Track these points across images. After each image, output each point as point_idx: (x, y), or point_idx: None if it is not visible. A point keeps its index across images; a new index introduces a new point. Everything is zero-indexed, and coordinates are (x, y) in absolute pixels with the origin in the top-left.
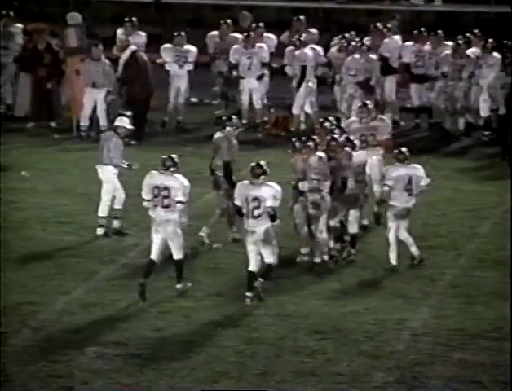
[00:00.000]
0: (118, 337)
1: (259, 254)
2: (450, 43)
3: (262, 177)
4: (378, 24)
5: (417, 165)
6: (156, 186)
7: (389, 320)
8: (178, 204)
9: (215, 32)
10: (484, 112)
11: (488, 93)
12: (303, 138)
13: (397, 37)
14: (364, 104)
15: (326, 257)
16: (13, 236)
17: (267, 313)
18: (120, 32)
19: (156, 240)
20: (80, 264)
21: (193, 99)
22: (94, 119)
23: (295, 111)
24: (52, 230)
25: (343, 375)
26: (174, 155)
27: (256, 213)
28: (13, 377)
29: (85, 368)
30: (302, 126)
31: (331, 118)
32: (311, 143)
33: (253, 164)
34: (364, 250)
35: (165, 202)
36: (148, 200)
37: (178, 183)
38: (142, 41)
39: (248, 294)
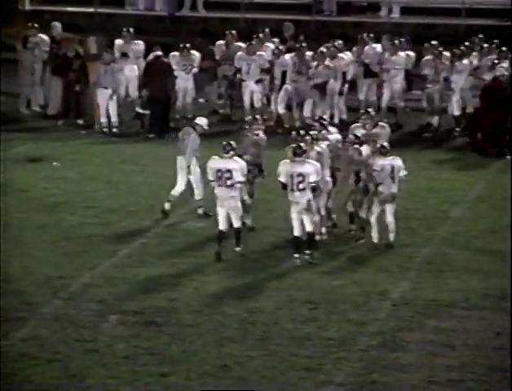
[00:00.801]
0: (137, 307)
1: (302, 222)
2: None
3: (303, 155)
4: (364, 35)
5: (396, 157)
6: (219, 170)
7: (372, 292)
8: (238, 184)
9: (221, 42)
10: (457, 112)
11: (460, 95)
12: (302, 133)
13: (377, 46)
14: (367, 112)
15: (317, 237)
16: (46, 219)
17: (267, 285)
18: (118, 42)
19: (222, 213)
20: (104, 243)
21: (201, 100)
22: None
23: (281, 110)
24: (80, 213)
25: (333, 339)
26: (232, 142)
27: (301, 186)
28: (45, 342)
29: (108, 333)
30: (297, 123)
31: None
32: (308, 137)
33: (294, 145)
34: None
35: (228, 182)
36: (213, 181)
37: (238, 165)
38: (140, 49)
39: (296, 256)
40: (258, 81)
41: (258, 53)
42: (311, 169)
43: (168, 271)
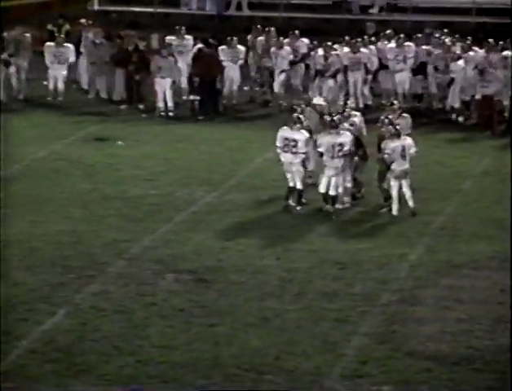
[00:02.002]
0: (190, 266)
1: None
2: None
3: (339, 126)
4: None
5: (406, 137)
6: (286, 138)
7: (393, 254)
8: (301, 152)
9: (262, 37)
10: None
11: (469, 83)
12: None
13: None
14: (392, 104)
15: (340, 206)
16: (111, 190)
17: (302, 248)
18: (172, 37)
19: (288, 175)
20: (161, 211)
21: (245, 88)
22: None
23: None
24: (140, 185)
25: (358, 295)
26: (301, 116)
27: (340, 154)
28: (112, 296)
29: (165, 289)
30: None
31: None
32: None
33: (329, 118)
34: (376, 202)
35: (293, 150)
36: (280, 147)
37: (303, 136)
38: (190, 44)
39: (327, 207)
40: (282, 71)
41: (285, 48)
42: (347, 139)
43: (216, 236)
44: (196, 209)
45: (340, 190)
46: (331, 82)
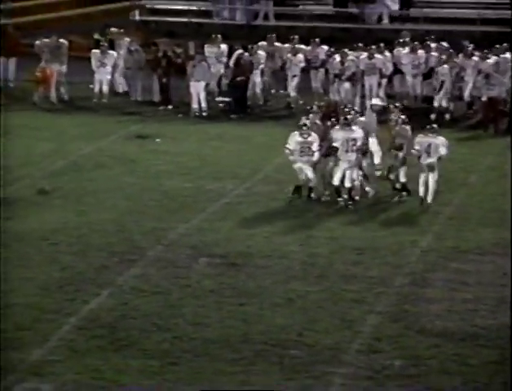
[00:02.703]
0: (221, 251)
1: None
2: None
3: (352, 123)
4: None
5: (438, 136)
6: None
7: (406, 241)
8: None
9: (287, 45)
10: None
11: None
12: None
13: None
14: (396, 106)
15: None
16: (152, 183)
17: (323, 235)
18: (207, 45)
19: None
20: (195, 202)
21: (273, 90)
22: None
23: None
24: (177, 179)
25: (374, 278)
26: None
27: (354, 148)
28: (150, 278)
29: (198, 272)
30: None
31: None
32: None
33: (343, 117)
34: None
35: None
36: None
37: (360, 135)
38: (224, 51)
39: (339, 199)
40: (294, 76)
41: (298, 55)
42: (359, 134)
43: (245, 224)
44: (226, 200)
45: (356, 183)
46: (347, 85)
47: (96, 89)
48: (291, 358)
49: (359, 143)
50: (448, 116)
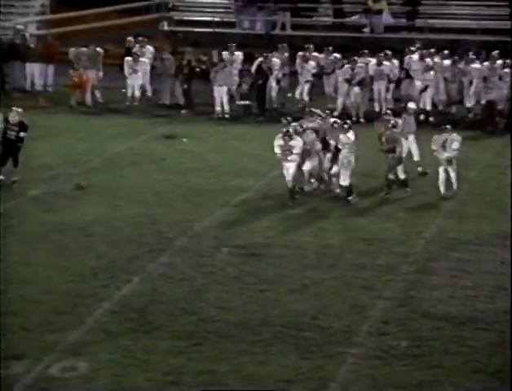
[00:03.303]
0: (242, 242)
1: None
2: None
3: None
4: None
5: (452, 134)
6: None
7: (411, 232)
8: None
9: (302, 53)
10: (469, 103)
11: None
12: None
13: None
14: (386, 113)
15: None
16: (179, 179)
17: (335, 227)
18: (224, 52)
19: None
20: (218, 196)
21: (289, 94)
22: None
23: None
24: (202, 175)
25: (383, 266)
26: (290, 130)
27: (292, 155)
28: (177, 266)
29: (221, 261)
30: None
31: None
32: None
33: (285, 130)
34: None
35: (291, 155)
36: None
37: (298, 144)
38: (239, 59)
39: (350, 198)
40: (306, 81)
41: (310, 62)
42: (298, 144)
43: (264, 217)
44: (246, 195)
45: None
46: (357, 89)
47: (128, 93)
48: (306, 339)
49: (295, 151)
50: (431, 119)
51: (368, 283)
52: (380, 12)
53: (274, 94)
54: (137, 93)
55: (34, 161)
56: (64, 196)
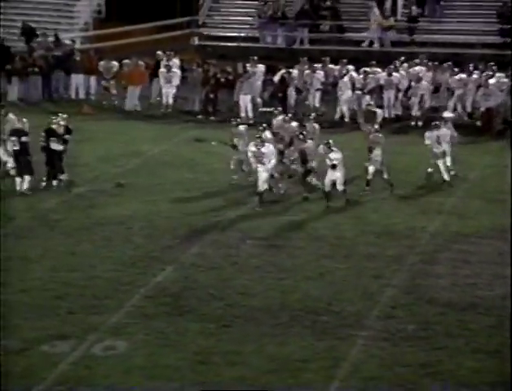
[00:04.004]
0: (264, 234)
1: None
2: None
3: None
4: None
5: (443, 128)
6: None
7: (416, 226)
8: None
9: (319, 64)
10: (470, 109)
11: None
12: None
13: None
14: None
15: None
16: (207, 178)
17: (348, 221)
18: (248, 64)
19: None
20: (243, 194)
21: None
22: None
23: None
24: (228, 175)
25: (391, 257)
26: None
27: (263, 160)
28: (207, 257)
29: (246, 252)
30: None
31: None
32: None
33: (257, 136)
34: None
35: (263, 160)
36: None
37: (270, 150)
38: (261, 70)
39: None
40: (317, 90)
41: (317, 71)
42: (269, 150)
43: (284, 212)
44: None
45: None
46: (368, 98)
47: (163, 101)
48: (321, 322)
49: (265, 158)
50: (420, 124)
51: (377, 272)
52: (389, 29)
53: (292, 101)
54: (170, 100)
55: (79, 162)
56: (105, 193)
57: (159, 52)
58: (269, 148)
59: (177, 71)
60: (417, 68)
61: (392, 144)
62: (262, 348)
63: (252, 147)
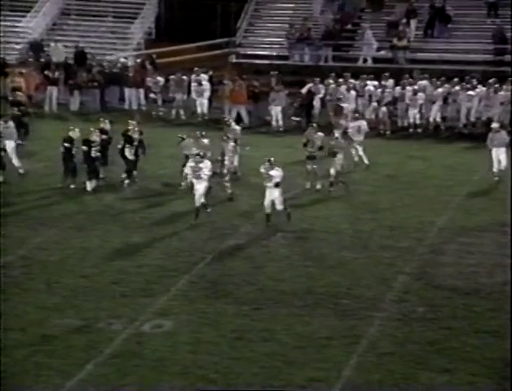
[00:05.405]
0: (292, 228)
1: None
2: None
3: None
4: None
5: (363, 121)
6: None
7: (426, 221)
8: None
9: (342, 79)
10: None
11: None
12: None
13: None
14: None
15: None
16: (242, 179)
17: (365, 217)
18: (273, 79)
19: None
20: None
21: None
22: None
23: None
24: (252, 175)
25: (403, 248)
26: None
27: (202, 175)
28: (242, 247)
29: (276, 243)
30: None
31: None
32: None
33: (196, 153)
34: (403, 188)
35: (202, 175)
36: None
37: (208, 165)
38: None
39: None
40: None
41: (331, 86)
42: (207, 165)
43: (310, 208)
44: (296, 191)
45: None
46: (384, 109)
47: (199, 110)
48: (342, 305)
49: (206, 171)
50: (419, 130)
51: (391, 261)
52: (403, 48)
53: (316, 111)
54: (205, 110)
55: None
56: (153, 192)
57: (196, 68)
58: (207, 164)
59: (207, 83)
60: (423, 82)
61: (406, 148)
62: (291, 327)
63: (191, 163)
